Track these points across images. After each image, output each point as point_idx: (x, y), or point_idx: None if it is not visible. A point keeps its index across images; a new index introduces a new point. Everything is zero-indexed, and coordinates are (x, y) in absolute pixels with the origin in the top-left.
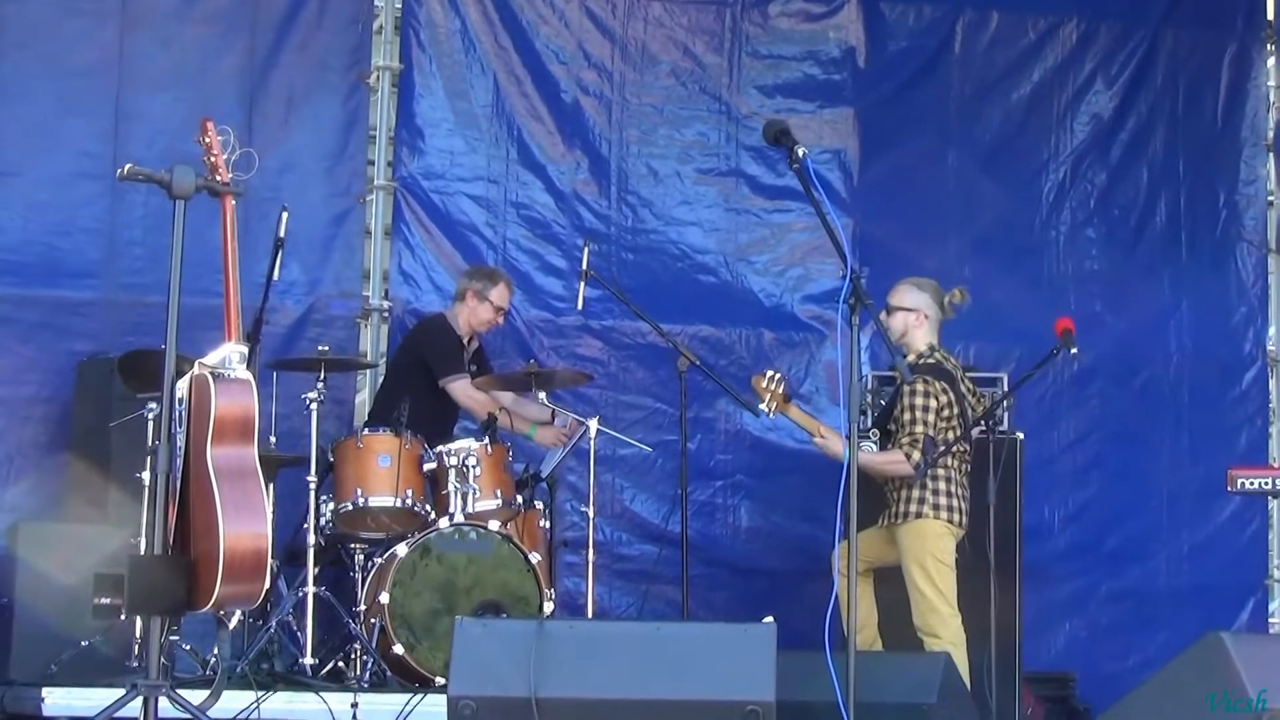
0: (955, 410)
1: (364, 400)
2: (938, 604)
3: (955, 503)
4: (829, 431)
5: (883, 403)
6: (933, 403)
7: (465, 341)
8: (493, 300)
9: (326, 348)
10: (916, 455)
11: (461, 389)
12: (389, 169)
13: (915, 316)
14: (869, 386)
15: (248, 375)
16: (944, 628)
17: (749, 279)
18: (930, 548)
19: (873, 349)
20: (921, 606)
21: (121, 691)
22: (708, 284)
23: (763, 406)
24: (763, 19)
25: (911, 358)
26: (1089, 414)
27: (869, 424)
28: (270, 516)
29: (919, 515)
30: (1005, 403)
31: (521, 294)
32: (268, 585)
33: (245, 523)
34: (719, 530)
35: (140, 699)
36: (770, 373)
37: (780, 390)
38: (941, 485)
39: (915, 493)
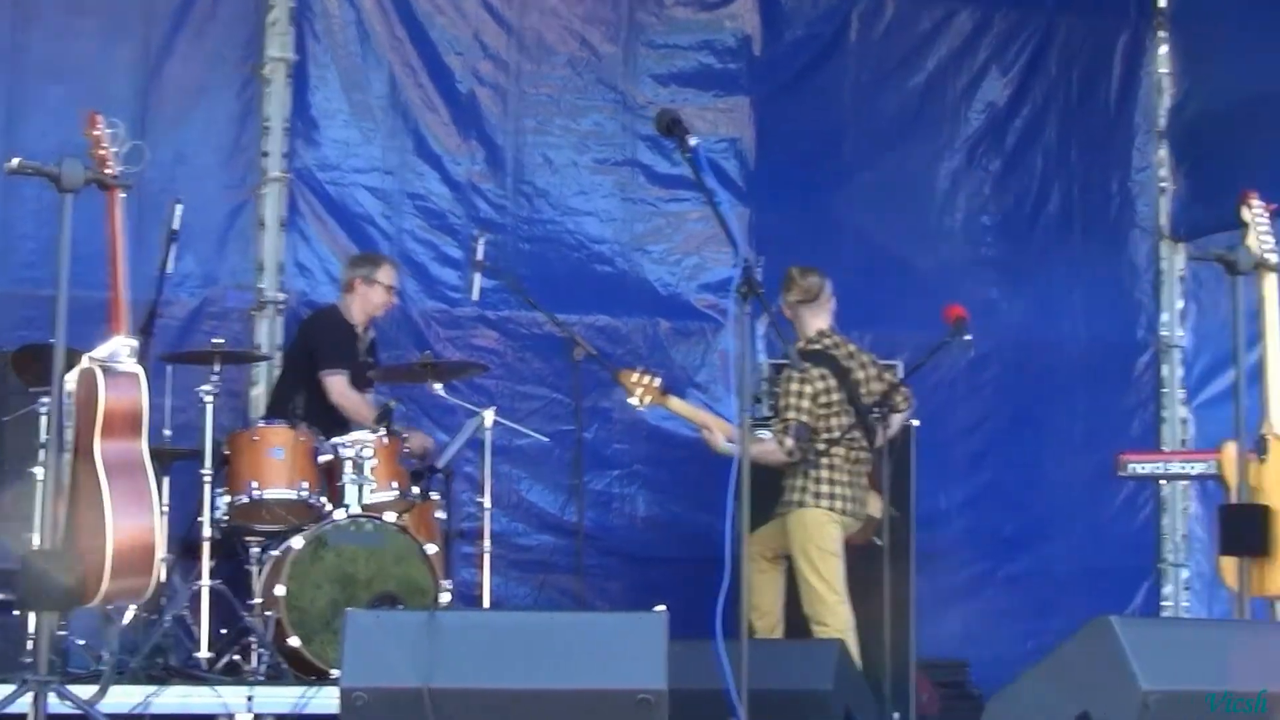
0: (837, 397)
1: (259, 393)
2: (823, 592)
3: (840, 490)
4: (715, 422)
5: (777, 390)
6: (807, 389)
7: (361, 331)
8: (381, 281)
9: (221, 340)
10: (789, 441)
11: (336, 385)
12: (284, 161)
13: (799, 303)
14: (764, 375)
15: (136, 369)
16: (831, 615)
17: (645, 268)
18: (813, 536)
19: (769, 337)
20: (808, 595)
21: (12, 687)
22: (604, 274)
23: (633, 400)
24: (658, 8)
25: (800, 343)
26: (984, 400)
27: (764, 412)
28: (161, 510)
29: (800, 504)
30: (899, 388)
31: (417, 285)
32: (157, 579)
33: (133, 517)
34: (616, 520)
35: (30, 695)
36: (640, 368)
37: (655, 384)
38: (824, 474)
39: (799, 482)
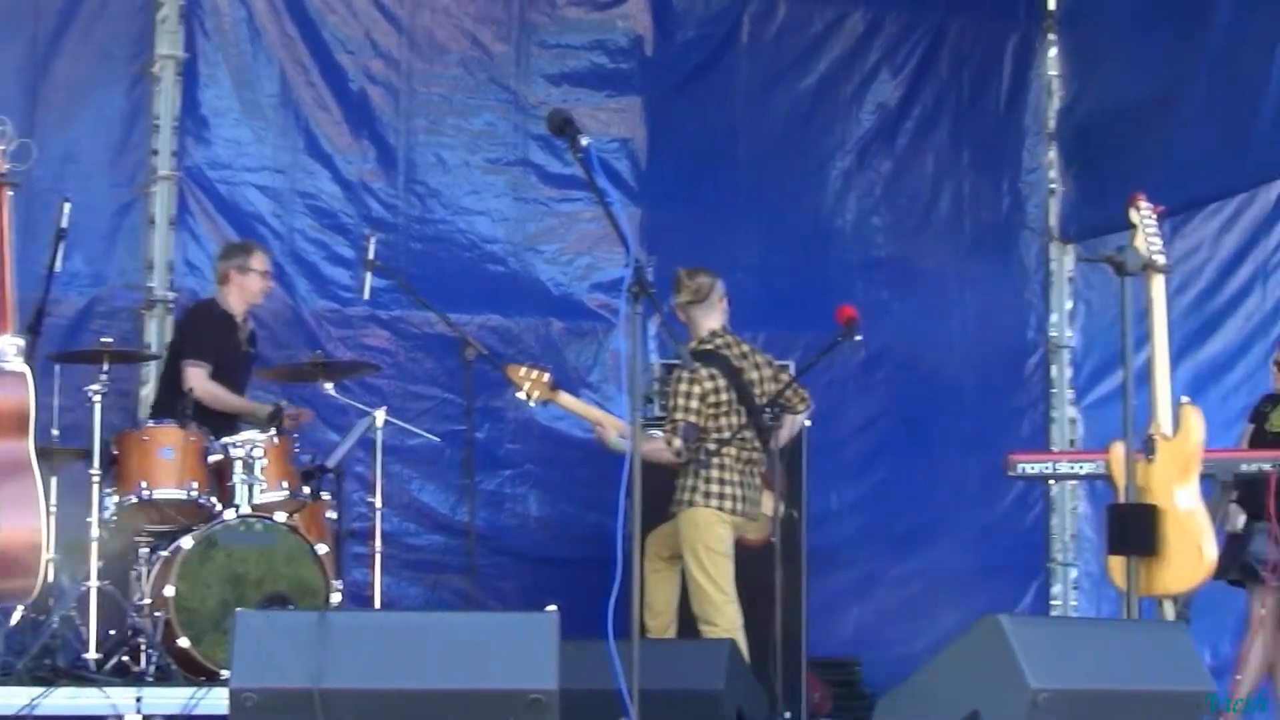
0: (727, 397)
1: (149, 392)
2: (711, 591)
3: (730, 490)
4: (606, 418)
5: (669, 390)
6: (695, 389)
7: (240, 321)
8: (256, 268)
9: (110, 340)
10: (676, 441)
11: (195, 376)
12: (174, 159)
13: (689, 303)
14: (656, 375)
15: (23, 368)
16: (719, 615)
17: (537, 268)
18: (702, 536)
19: (660, 337)
20: (697, 594)
21: None
22: (496, 273)
23: (521, 394)
24: (550, 8)
25: (693, 344)
26: (876, 400)
27: (656, 413)
28: (47, 510)
29: (690, 504)
30: (795, 388)
31: (308, 284)
32: (44, 580)
33: (19, 517)
34: (507, 520)
35: None
36: (527, 364)
37: (544, 379)
38: (715, 473)
39: (689, 481)
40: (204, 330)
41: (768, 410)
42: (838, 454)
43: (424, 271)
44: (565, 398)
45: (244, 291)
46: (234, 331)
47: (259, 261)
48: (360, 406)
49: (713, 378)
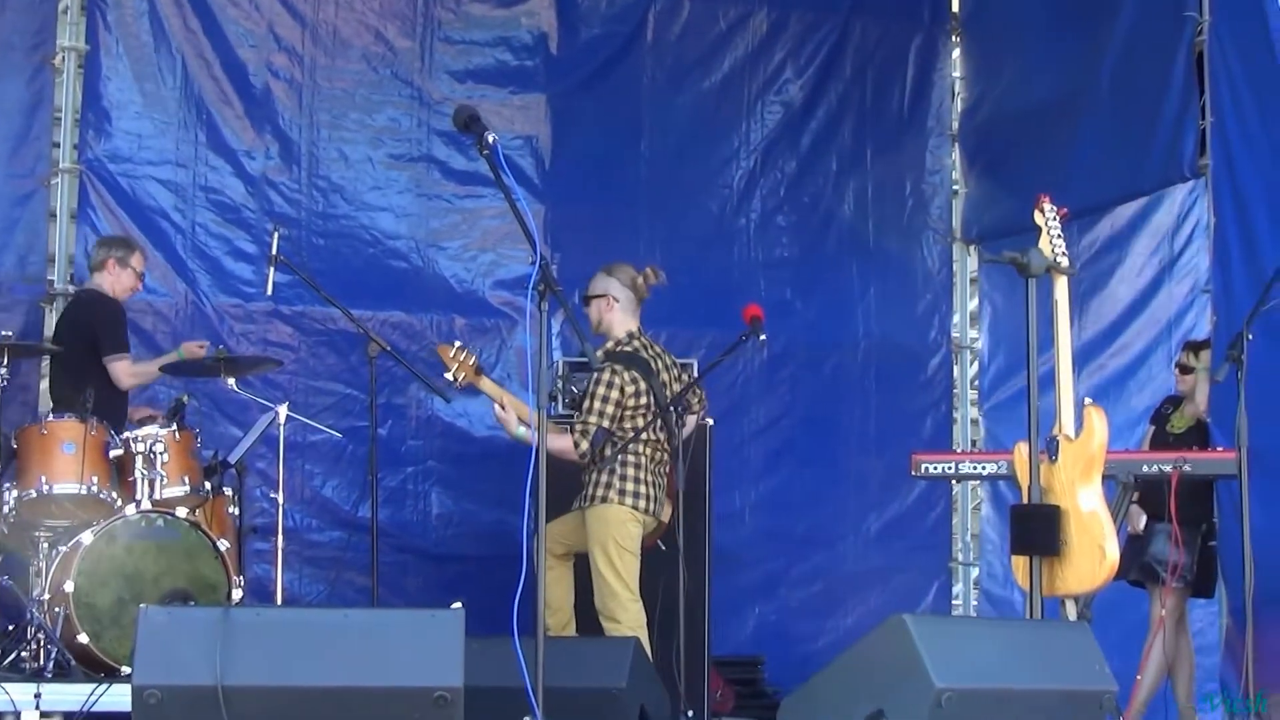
0: (646, 400)
1: (49, 386)
2: (618, 588)
3: (644, 489)
4: (515, 405)
5: (574, 389)
6: (614, 393)
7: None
8: (134, 267)
9: (10, 333)
10: (584, 445)
11: (123, 368)
12: (74, 151)
13: (605, 302)
14: (559, 373)
15: None
16: (623, 612)
17: (440, 264)
18: (613, 533)
19: (564, 335)
20: (603, 590)
21: None
22: (399, 269)
23: (449, 375)
24: (455, 4)
25: (610, 344)
26: (779, 400)
27: (560, 409)
28: None
29: (604, 500)
30: (694, 388)
31: (210, 279)
32: None
33: None
34: (410, 516)
35: None
36: (458, 343)
37: (470, 362)
38: (630, 472)
39: (604, 478)
40: (113, 319)
41: (672, 409)
42: (741, 453)
43: (327, 267)
44: (487, 383)
45: (118, 284)
46: (126, 324)
47: (139, 261)
48: (262, 402)
49: (634, 381)
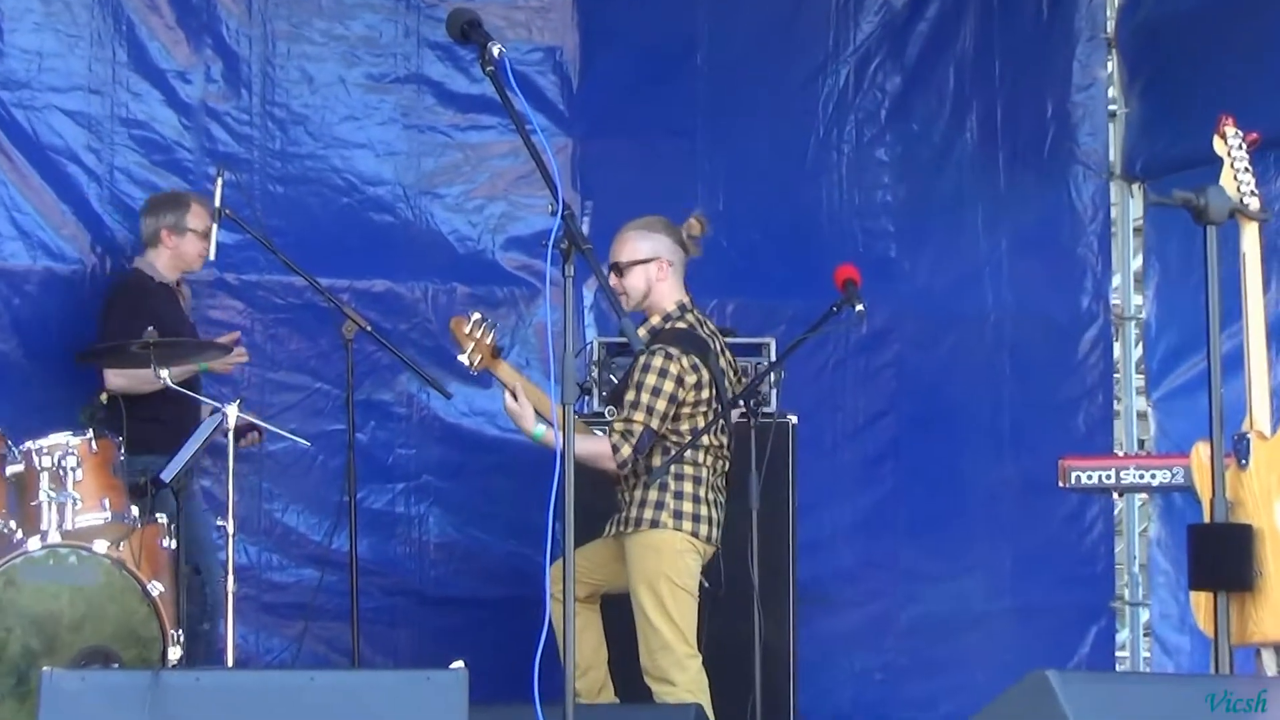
0: (709, 392)
1: None
2: (672, 640)
3: (705, 511)
4: (536, 396)
5: (612, 378)
6: (667, 384)
7: (176, 285)
8: (193, 227)
9: None
10: (627, 450)
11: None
12: None
13: (657, 267)
14: (593, 357)
15: None
16: (680, 671)
17: (437, 217)
18: (665, 567)
19: (599, 307)
20: (651, 643)
21: None
22: (382, 224)
23: (464, 357)
24: None
25: (656, 320)
26: (882, 390)
27: (595, 405)
28: None
29: (654, 524)
30: (771, 377)
31: (134, 240)
32: None
33: None
34: (400, 548)
35: None
36: (475, 315)
37: (489, 340)
38: (687, 488)
39: (651, 496)
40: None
41: (741, 405)
42: (832, 461)
43: (287, 223)
44: (505, 369)
45: (180, 258)
46: (173, 302)
47: (196, 218)
48: (205, 400)
49: (695, 369)
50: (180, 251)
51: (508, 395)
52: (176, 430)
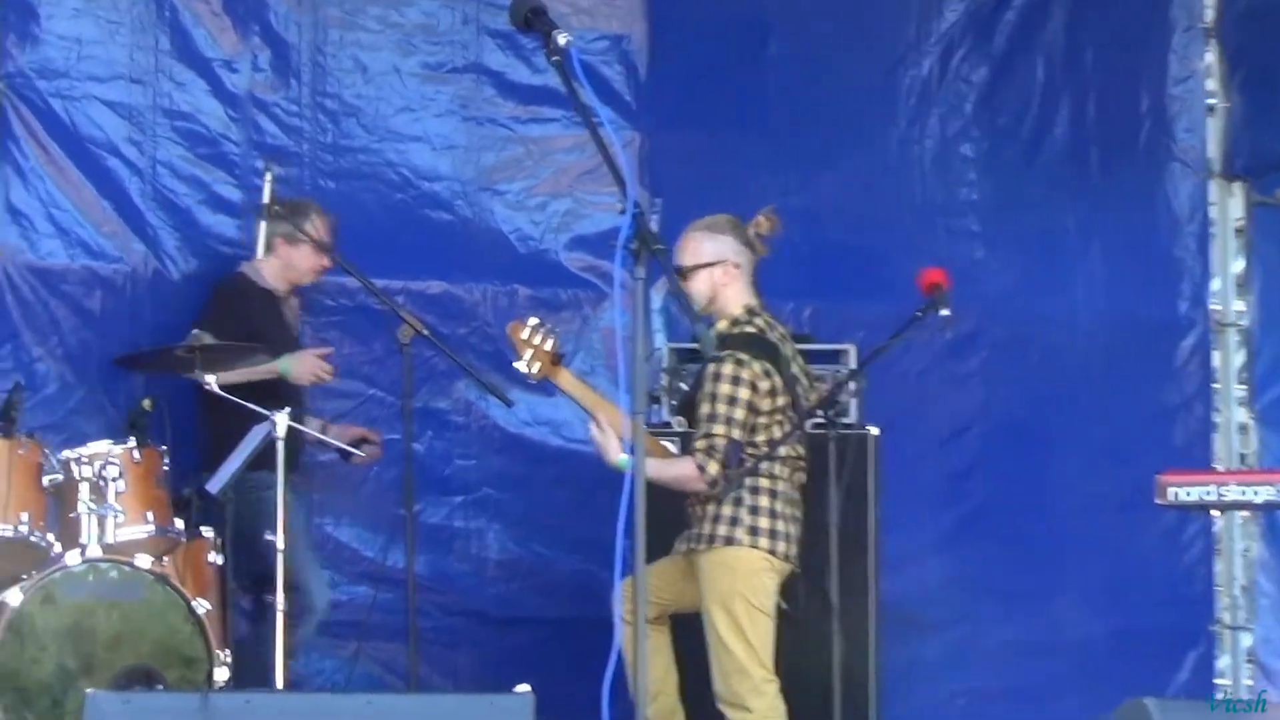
0: (782, 399)
1: None
2: (748, 664)
3: (782, 527)
4: (613, 415)
5: (683, 386)
6: (743, 392)
7: (283, 294)
8: (311, 234)
9: None
10: (714, 467)
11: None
12: None
13: (723, 270)
14: (663, 363)
15: None
16: (757, 697)
17: (497, 215)
18: (741, 586)
19: (669, 311)
20: (725, 666)
21: None
22: (440, 223)
23: (521, 364)
24: None
25: (723, 325)
26: (968, 399)
27: (664, 415)
28: None
29: (729, 541)
30: (852, 386)
31: (180, 238)
32: None
33: None
34: (459, 565)
35: None
36: (533, 320)
37: (549, 346)
38: (763, 502)
39: (725, 510)
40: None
41: (820, 415)
42: (916, 474)
43: (340, 220)
44: (566, 377)
45: (291, 270)
46: (276, 309)
47: (315, 227)
48: (254, 408)
49: (768, 375)
50: (292, 262)
51: (592, 425)
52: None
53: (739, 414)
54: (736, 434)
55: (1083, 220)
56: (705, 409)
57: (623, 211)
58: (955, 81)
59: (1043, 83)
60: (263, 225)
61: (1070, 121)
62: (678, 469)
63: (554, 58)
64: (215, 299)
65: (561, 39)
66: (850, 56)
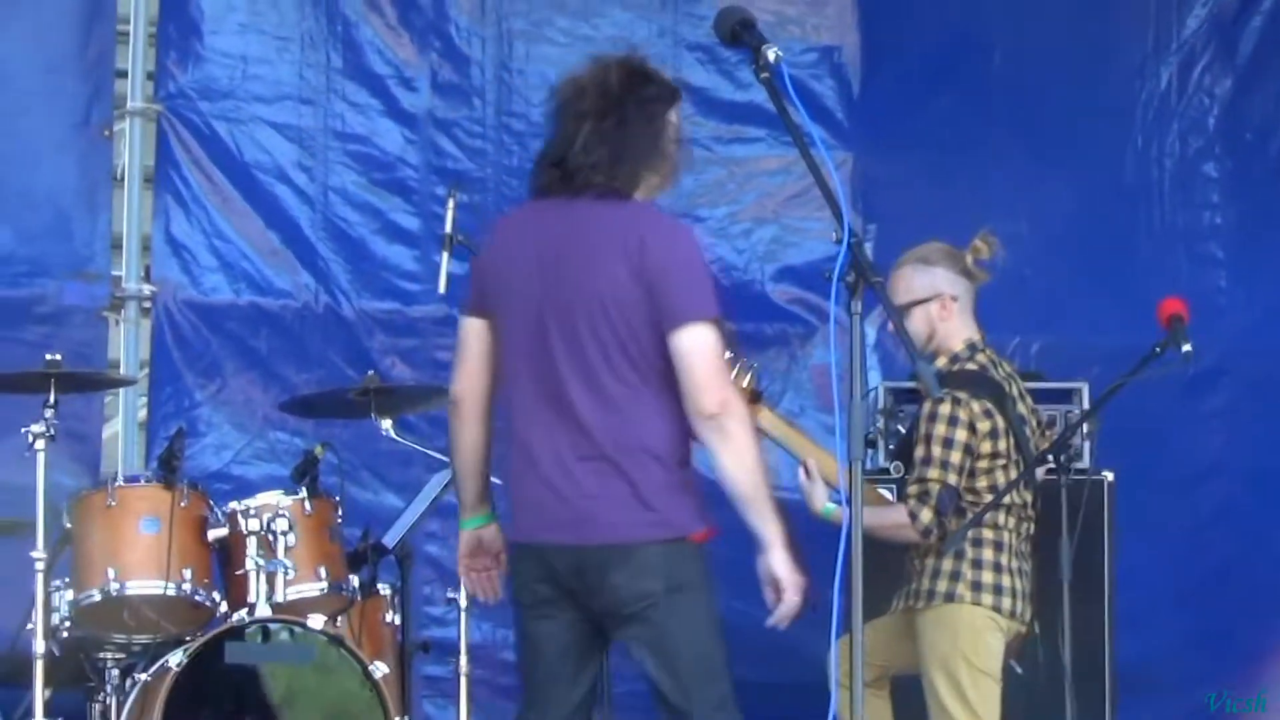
0: (1006, 442)
1: (117, 433)
2: None
3: (1008, 582)
4: (822, 459)
5: (900, 429)
6: (960, 433)
7: None
8: None
9: (58, 356)
10: (927, 515)
11: None
12: (149, 83)
13: (938, 305)
14: (880, 405)
15: None
16: None
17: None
18: (964, 646)
19: (884, 347)
20: None
21: None
22: None
23: None
24: None
25: (942, 363)
26: (1212, 441)
27: (880, 460)
28: None
29: (950, 598)
30: (1084, 428)
31: (352, 272)
32: None
33: None
34: None
35: None
36: (727, 354)
37: (745, 383)
38: (987, 555)
39: (946, 565)
40: None
41: (1050, 461)
42: (1154, 522)
43: None
44: (767, 416)
45: None
46: None
47: None
48: (434, 455)
49: (989, 415)
50: None
51: (801, 470)
52: None
53: (955, 457)
54: (952, 479)
55: None
56: (919, 451)
57: (839, 241)
58: (1197, 94)
59: None
60: (445, 257)
61: None
62: (888, 517)
63: (763, 74)
64: None
65: (772, 54)
66: (1079, 69)
